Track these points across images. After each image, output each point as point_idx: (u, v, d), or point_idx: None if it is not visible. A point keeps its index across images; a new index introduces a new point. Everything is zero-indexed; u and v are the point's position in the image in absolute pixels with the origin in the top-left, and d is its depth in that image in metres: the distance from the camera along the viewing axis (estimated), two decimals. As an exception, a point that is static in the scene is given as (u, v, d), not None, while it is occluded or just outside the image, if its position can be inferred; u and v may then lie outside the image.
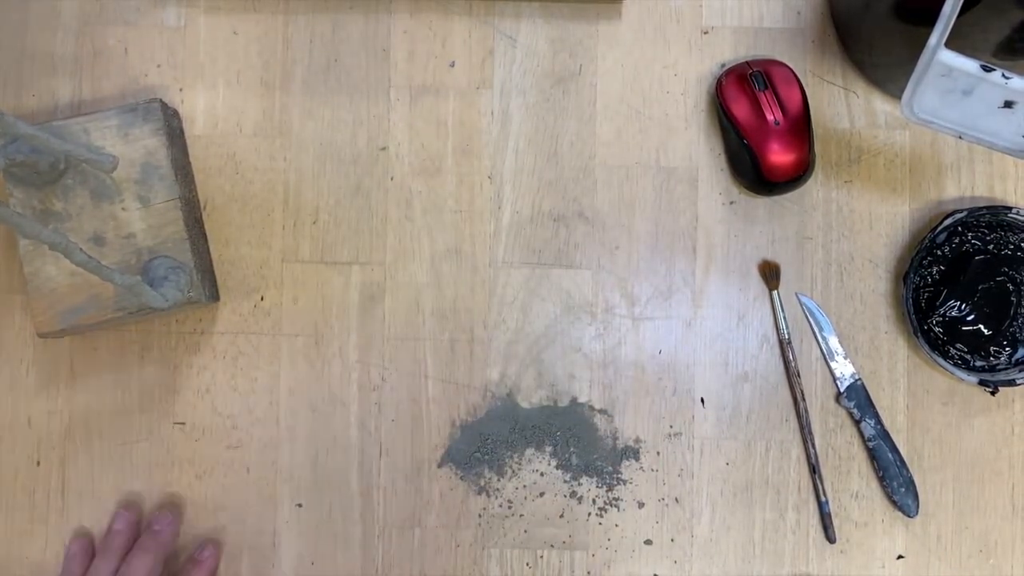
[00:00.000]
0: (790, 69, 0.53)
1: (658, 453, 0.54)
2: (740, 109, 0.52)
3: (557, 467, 0.54)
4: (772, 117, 0.51)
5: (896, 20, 0.49)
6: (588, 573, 0.54)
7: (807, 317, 0.54)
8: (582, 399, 0.55)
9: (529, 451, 0.54)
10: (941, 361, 0.52)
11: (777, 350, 0.55)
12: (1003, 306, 0.54)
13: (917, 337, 0.52)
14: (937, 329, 0.54)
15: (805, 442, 0.54)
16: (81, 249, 0.43)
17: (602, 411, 0.55)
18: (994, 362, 0.54)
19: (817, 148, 0.54)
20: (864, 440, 0.54)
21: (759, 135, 0.52)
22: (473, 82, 0.56)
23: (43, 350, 0.55)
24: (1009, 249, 0.54)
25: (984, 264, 0.53)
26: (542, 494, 0.54)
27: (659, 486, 0.54)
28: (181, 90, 0.56)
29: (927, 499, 0.54)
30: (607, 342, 0.55)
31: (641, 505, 0.54)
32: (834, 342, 0.54)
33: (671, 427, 0.55)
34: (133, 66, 0.56)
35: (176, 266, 0.51)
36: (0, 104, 0.55)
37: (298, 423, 0.55)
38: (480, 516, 0.54)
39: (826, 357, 0.54)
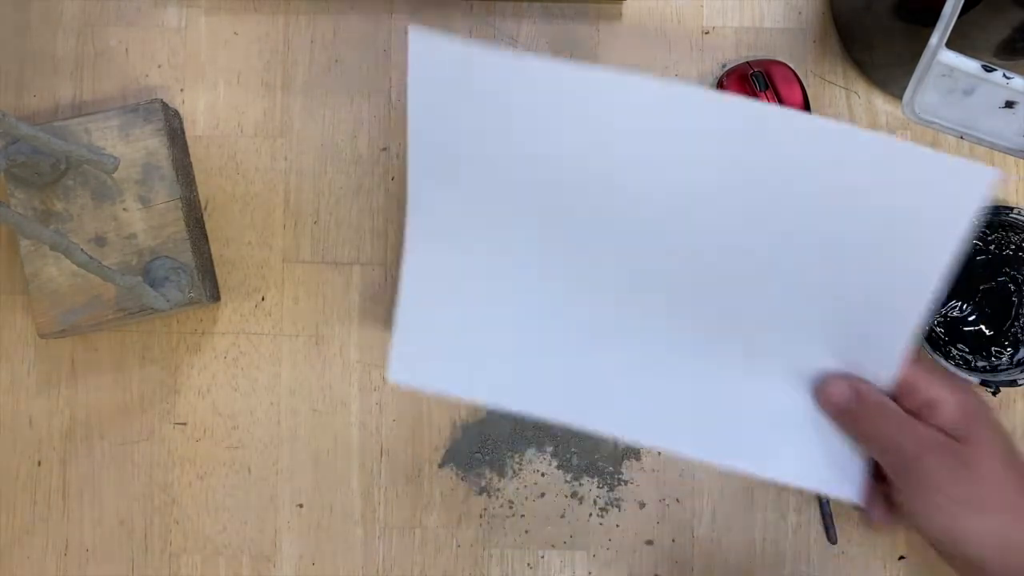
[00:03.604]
0: (791, 69, 0.53)
1: (659, 453, 0.54)
2: (741, 109, 0.52)
3: (558, 467, 0.54)
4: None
5: (897, 20, 0.49)
6: (589, 573, 0.54)
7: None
8: (583, 399, 0.55)
9: (530, 451, 0.54)
10: (942, 362, 0.52)
11: (778, 350, 0.54)
12: (1004, 306, 0.54)
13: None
14: (938, 329, 0.54)
15: (806, 442, 0.54)
16: (82, 250, 0.43)
17: (603, 411, 0.54)
18: (995, 362, 0.54)
19: (818, 148, 0.54)
20: (865, 440, 0.54)
21: (760, 135, 0.52)
22: (474, 82, 0.55)
23: (44, 350, 0.55)
24: (1010, 249, 0.54)
25: (985, 264, 0.53)
26: (543, 494, 0.54)
27: (660, 486, 0.54)
28: (182, 90, 0.56)
29: (928, 499, 0.54)
30: (608, 342, 0.55)
31: (642, 505, 0.54)
32: (835, 342, 0.54)
33: (672, 427, 0.54)
34: (134, 66, 0.56)
35: (177, 267, 0.51)
36: (1, 104, 0.55)
37: (299, 423, 0.55)
38: (481, 516, 0.54)
39: (827, 357, 0.54)
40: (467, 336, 0.45)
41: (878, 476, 0.44)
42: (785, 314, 0.43)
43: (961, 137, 0.44)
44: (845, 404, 0.42)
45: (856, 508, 0.44)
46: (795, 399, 0.44)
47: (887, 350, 0.42)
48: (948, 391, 0.41)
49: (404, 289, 0.45)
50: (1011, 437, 0.42)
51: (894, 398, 0.43)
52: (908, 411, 0.42)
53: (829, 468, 0.43)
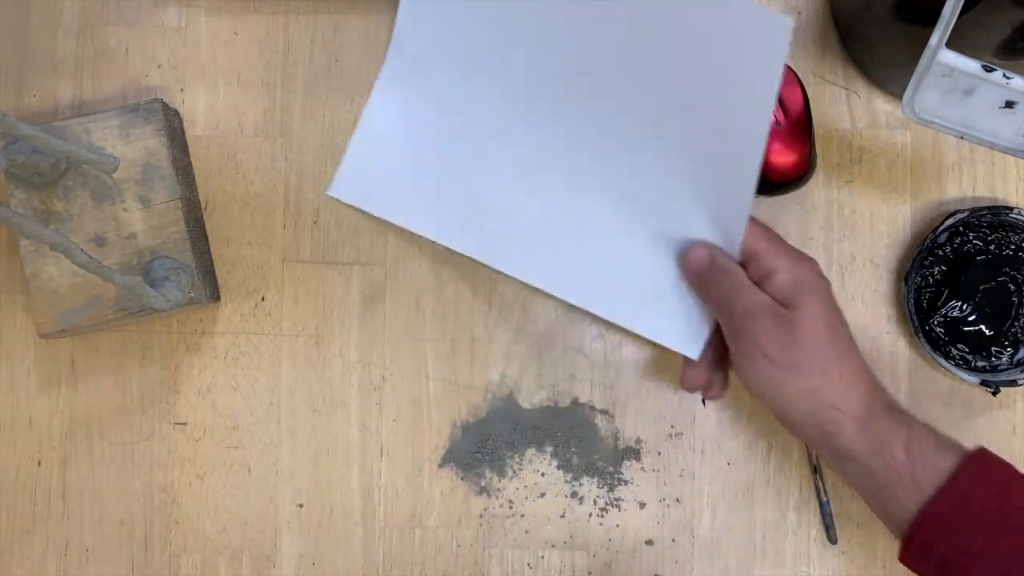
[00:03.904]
0: (791, 69, 0.53)
1: (659, 453, 0.54)
2: (741, 109, 0.52)
3: (558, 467, 0.54)
4: (773, 117, 0.51)
5: (897, 20, 0.49)
6: (589, 573, 0.54)
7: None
8: (583, 399, 0.55)
9: (530, 451, 0.54)
10: (942, 361, 0.52)
11: (778, 350, 0.54)
12: (1004, 306, 0.54)
13: (918, 337, 0.52)
14: (939, 329, 0.54)
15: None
16: (82, 250, 0.43)
17: (603, 411, 0.54)
18: (995, 362, 0.54)
19: (818, 148, 0.54)
20: (865, 440, 0.54)
21: (760, 135, 0.52)
22: (474, 82, 0.55)
23: (44, 350, 0.55)
24: (1010, 249, 0.54)
25: (985, 264, 0.53)
26: (543, 494, 0.54)
27: (660, 486, 0.54)
28: (182, 90, 0.56)
29: (928, 499, 0.54)
30: (608, 342, 0.55)
31: (642, 505, 0.54)
32: (835, 342, 0.54)
33: (672, 427, 0.54)
34: (134, 66, 0.56)
35: (177, 267, 0.51)
36: (1, 104, 0.55)
37: (299, 423, 0.55)
38: (481, 516, 0.54)
39: (827, 357, 0.54)
40: (410, 170, 0.53)
41: (721, 346, 0.48)
42: (652, 183, 0.49)
43: (961, 137, 0.44)
44: (701, 269, 0.47)
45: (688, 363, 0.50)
46: (658, 262, 0.50)
47: (733, 218, 0.47)
48: (785, 261, 0.45)
49: (366, 117, 0.53)
50: (840, 311, 0.45)
51: (745, 268, 0.46)
52: (752, 280, 0.45)
53: (678, 327, 0.50)
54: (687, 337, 0.50)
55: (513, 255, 0.52)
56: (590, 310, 0.52)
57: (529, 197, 0.52)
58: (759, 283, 0.45)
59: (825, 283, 0.46)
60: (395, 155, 0.53)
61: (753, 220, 0.46)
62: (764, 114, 0.44)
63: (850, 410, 0.43)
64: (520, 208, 0.52)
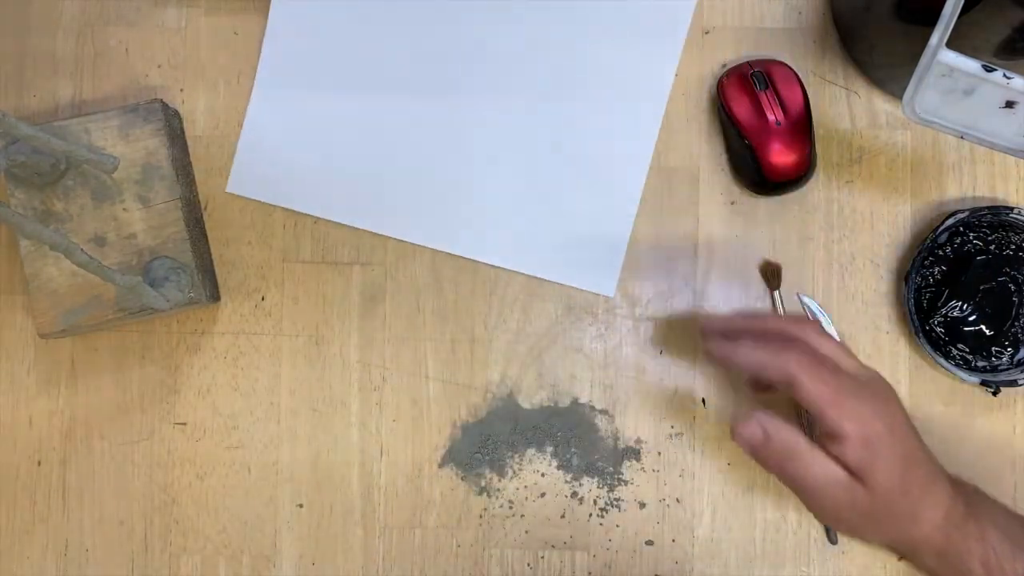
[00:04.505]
0: (791, 69, 0.53)
1: (659, 453, 0.54)
2: (741, 109, 0.52)
3: (558, 467, 0.54)
4: (773, 117, 0.51)
5: (897, 20, 0.49)
6: (589, 574, 0.54)
7: (808, 317, 0.54)
8: (583, 399, 0.55)
9: (530, 451, 0.54)
10: (943, 361, 0.52)
11: (778, 350, 0.54)
12: (1005, 306, 0.53)
13: (919, 337, 0.52)
14: (939, 329, 0.54)
15: (806, 442, 0.54)
16: (82, 250, 0.43)
17: (603, 411, 0.54)
18: (996, 362, 0.54)
19: (818, 148, 0.54)
20: (865, 440, 0.54)
21: (760, 135, 0.52)
22: (474, 82, 0.55)
23: (44, 351, 0.55)
24: (1011, 249, 0.54)
25: (986, 264, 0.53)
26: (543, 494, 0.54)
27: (660, 486, 0.54)
28: (182, 90, 0.56)
29: (928, 500, 0.54)
30: (608, 342, 0.55)
31: (642, 505, 0.54)
32: (835, 342, 0.54)
33: (672, 427, 0.54)
34: (134, 66, 0.56)
35: (177, 266, 0.51)
36: (1, 105, 0.55)
37: (299, 423, 0.55)
38: (481, 516, 0.54)
39: (827, 357, 0.54)
40: (300, 157, 0.55)
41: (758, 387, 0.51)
42: (552, 136, 0.55)
43: (961, 137, 0.44)
44: (755, 443, 0.45)
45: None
46: (562, 211, 0.54)
47: (636, 165, 0.54)
48: (856, 424, 0.42)
49: (251, 113, 0.55)
50: (911, 430, 0.44)
51: (809, 420, 0.47)
52: (821, 434, 0.44)
53: (590, 269, 0.54)
54: (599, 277, 0.54)
55: (417, 224, 0.54)
56: (502, 266, 0.54)
57: (425, 165, 0.54)
58: (826, 441, 0.43)
59: (889, 435, 0.43)
60: (282, 145, 0.55)
61: (826, 355, 0.44)
62: (666, 75, 0.54)
63: (929, 542, 0.44)
64: (418, 177, 0.55)
